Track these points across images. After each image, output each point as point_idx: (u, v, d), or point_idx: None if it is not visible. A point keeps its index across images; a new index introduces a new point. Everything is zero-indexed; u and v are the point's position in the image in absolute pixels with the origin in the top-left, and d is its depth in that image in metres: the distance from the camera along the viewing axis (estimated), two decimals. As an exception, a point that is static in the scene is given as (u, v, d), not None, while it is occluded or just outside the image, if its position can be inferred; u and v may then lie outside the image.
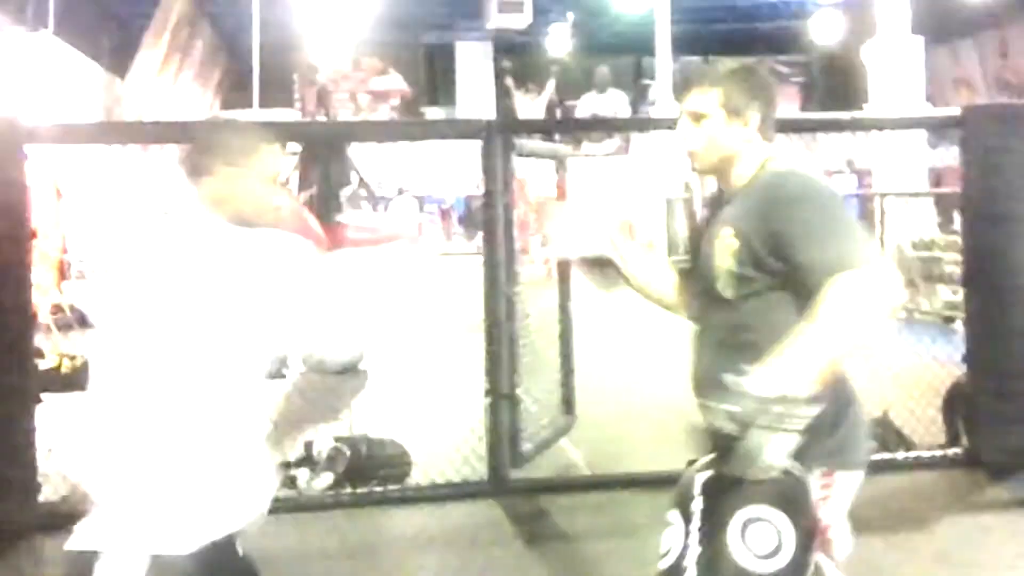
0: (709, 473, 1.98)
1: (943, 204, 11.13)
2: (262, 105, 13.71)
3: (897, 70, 11.19)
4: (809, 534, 1.92)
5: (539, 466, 5.04)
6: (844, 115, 5.75)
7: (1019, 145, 5.10)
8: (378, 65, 20.13)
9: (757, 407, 1.75)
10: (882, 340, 1.88)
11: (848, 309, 1.83)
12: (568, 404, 5.73)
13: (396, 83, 19.95)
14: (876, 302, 1.85)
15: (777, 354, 1.83)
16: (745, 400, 1.76)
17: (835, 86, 19.03)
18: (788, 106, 21.04)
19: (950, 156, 6.18)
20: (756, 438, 1.76)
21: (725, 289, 2.03)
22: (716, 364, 1.97)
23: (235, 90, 17.24)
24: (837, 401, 2.00)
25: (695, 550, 1.95)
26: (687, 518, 1.99)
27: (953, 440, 5.23)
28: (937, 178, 12.78)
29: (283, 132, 8.01)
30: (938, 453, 5.16)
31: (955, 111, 5.57)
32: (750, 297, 2.03)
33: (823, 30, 17.80)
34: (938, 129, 8.13)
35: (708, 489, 1.96)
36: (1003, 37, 17.51)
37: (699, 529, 1.95)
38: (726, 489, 1.91)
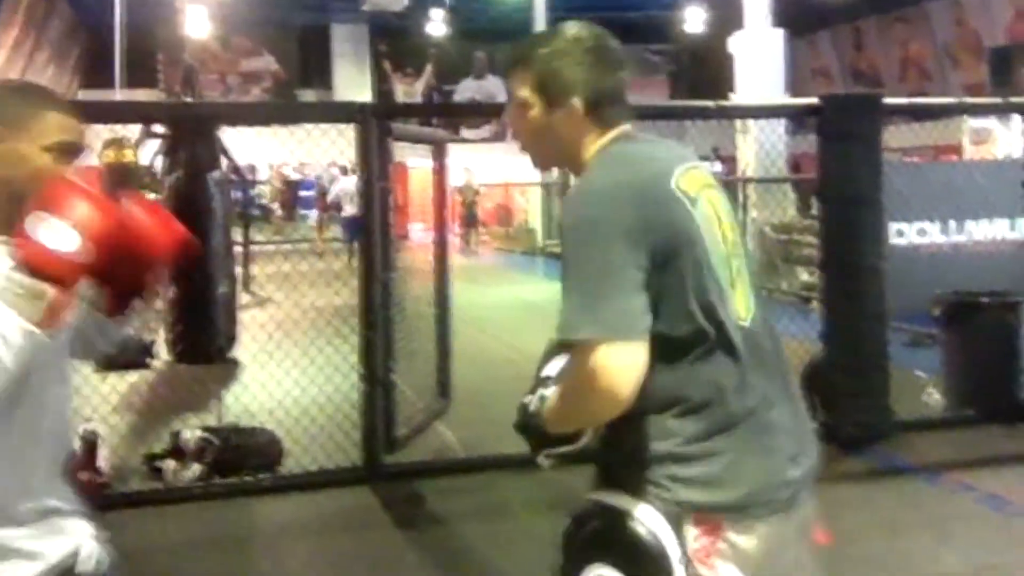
0: (567, 523, 1.73)
1: (801, 189, 11.62)
2: (123, 85, 13.16)
3: (760, 61, 11.61)
4: None
5: (414, 450, 5.04)
6: (710, 103, 5.91)
7: (872, 132, 5.36)
8: (249, 46, 19.64)
9: (520, 418, 1.73)
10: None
11: (574, 397, 1.60)
12: (444, 387, 5.74)
13: (268, 64, 19.52)
14: (601, 393, 1.53)
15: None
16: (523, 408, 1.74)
17: (702, 76, 19.57)
18: (657, 94, 21.62)
19: (807, 143, 6.44)
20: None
21: None
22: None
23: (95, 69, 16.52)
24: (695, 424, 1.63)
25: None
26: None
27: (810, 415, 5.46)
28: (796, 164, 13.33)
29: (147, 113, 7.79)
30: (797, 428, 5.38)
31: (812, 100, 5.80)
32: None
33: (692, 22, 18.29)
34: (797, 117, 8.46)
35: (563, 542, 1.72)
36: (858, 30, 18.39)
37: None
38: (577, 543, 1.68)
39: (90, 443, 4.73)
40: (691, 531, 1.60)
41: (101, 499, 4.46)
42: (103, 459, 4.77)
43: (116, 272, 1.67)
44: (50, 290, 1.48)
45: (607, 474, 1.70)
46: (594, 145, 1.72)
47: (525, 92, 1.73)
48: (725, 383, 1.62)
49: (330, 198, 16.24)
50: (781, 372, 1.73)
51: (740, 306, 1.67)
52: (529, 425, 1.70)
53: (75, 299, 1.56)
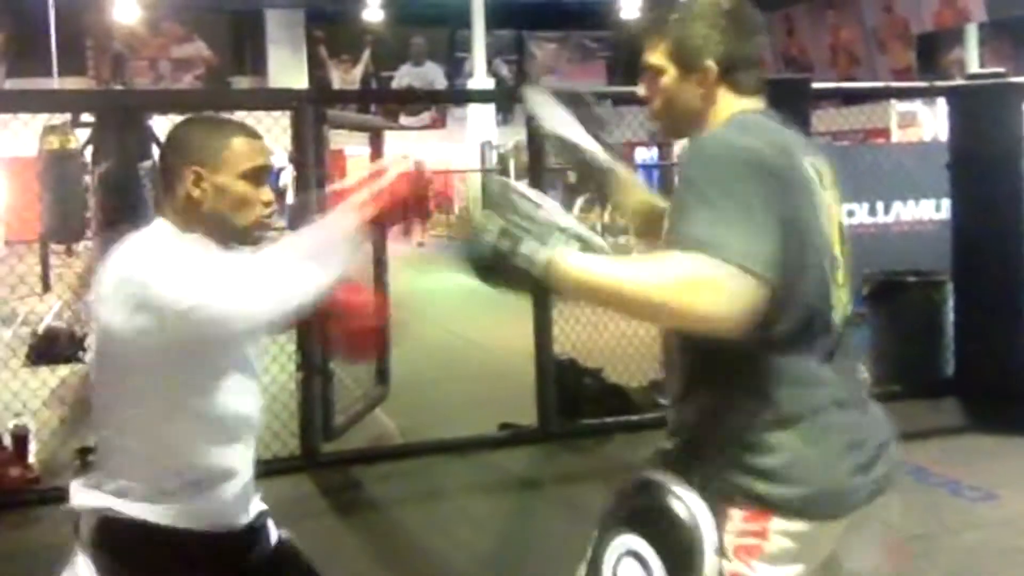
0: (609, 504, 1.63)
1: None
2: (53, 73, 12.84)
3: (695, 46, 11.73)
4: None
5: (353, 438, 5.04)
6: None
7: (800, 116, 5.46)
8: (180, 31, 19.26)
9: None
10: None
11: (659, 281, 1.42)
12: (383, 375, 5.73)
13: (199, 51, 19.15)
14: (696, 301, 1.40)
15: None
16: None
17: (640, 61, 19.71)
18: (595, 80, 21.73)
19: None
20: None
21: None
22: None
23: (22, 57, 16.10)
24: (764, 413, 1.53)
25: None
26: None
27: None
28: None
29: (75, 101, 7.61)
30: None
31: (743, 85, 5.87)
32: None
33: (628, 8, 18.41)
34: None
35: (602, 514, 1.63)
36: (789, 16, 18.68)
37: (587, 562, 1.63)
38: (614, 515, 1.60)
39: (20, 438, 4.64)
40: (736, 524, 1.52)
41: (32, 494, 4.38)
42: (33, 454, 4.69)
43: None
44: None
45: (668, 455, 1.63)
46: (727, 113, 1.64)
47: (657, 58, 1.67)
48: (806, 377, 1.55)
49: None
50: (857, 375, 1.66)
51: (841, 303, 1.61)
52: (506, 262, 1.52)
53: None
